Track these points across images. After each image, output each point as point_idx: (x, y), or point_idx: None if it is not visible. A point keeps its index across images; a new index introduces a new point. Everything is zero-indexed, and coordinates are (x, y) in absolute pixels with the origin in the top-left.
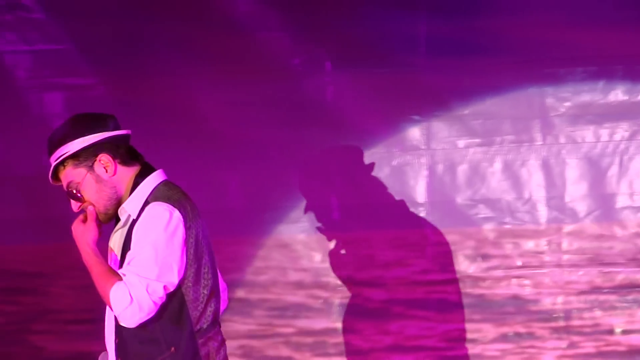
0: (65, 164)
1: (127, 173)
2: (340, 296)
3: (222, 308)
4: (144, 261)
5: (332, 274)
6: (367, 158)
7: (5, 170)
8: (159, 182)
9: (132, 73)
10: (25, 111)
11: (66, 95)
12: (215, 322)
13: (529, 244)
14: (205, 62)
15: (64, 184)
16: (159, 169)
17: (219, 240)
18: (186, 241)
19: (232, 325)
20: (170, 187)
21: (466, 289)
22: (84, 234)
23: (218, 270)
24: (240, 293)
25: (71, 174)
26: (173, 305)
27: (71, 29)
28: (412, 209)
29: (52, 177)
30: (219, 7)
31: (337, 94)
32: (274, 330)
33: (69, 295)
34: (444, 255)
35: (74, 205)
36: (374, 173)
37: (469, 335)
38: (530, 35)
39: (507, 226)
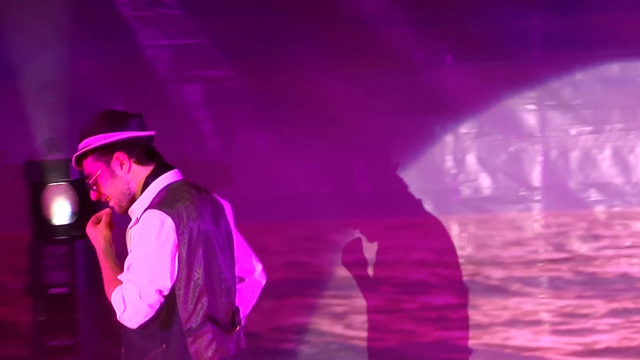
0: (85, 156)
1: (141, 172)
2: (461, 274)
3: (240, 297)
4: (138, 269)
5: (454, 254)
6: (485, 145)
7: None
8: (166, 184)
9: (266, 66)
10: (166, 101)
11: (203, 87)
12: (206, 320)
13: (638, 225)
14: (334, 56)
15: (85, 173)
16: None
17: (346, 222)
18: (178, 246)
19: (360, 300)
20: (174, 191)
21: (578, 267)
22: (95, 236)
23: (252, 258)
24: (368, 271)
25: (90, 166)
26: (165, 306)
27: (208, 24)
28: (527, 193)
29: (75, 163)
30: (348, 6)
31: (457, 85)
32: (399, 305)
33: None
34: (558, 236)
35: (92, 194)
36: (491, 159)
37: (581, 311)
38: (638, 31)
39: (617, 208)
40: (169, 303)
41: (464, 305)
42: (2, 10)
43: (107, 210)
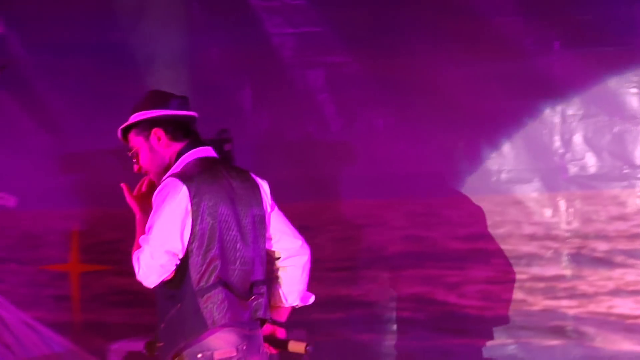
0: (129, 130)
1: (175, 147)
2: (569, 247)
3: (259, 273)
4: (152, 231)
5: (561, 228)
6: (590, 126)
7: (276, 139)
8: (193, 158)
9: (384, 52)
10: (291, 86)
11: (326, 72)
12: (218, 283)
13: None
14: (448, 43)
15: (129, 146)
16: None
17: (458, 198)
18: (191, 212)
19: (473, 272)
20: (200, 165)
21: None
22: (134, 205)
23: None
24: (480, 244)
25: (133, 140)
26: (179, 267)
27: (330, 13)
28: (630, 171)
29: (121, 137)
30: None
31: (564, 69)
32: (510, 276)
33: (329, 247)
34: None
35: (134, 166)
36: (597, 139)
37: None
38: None
39: None
40: (183, 265)
41: (571, 276)
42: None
43: (145, 180)
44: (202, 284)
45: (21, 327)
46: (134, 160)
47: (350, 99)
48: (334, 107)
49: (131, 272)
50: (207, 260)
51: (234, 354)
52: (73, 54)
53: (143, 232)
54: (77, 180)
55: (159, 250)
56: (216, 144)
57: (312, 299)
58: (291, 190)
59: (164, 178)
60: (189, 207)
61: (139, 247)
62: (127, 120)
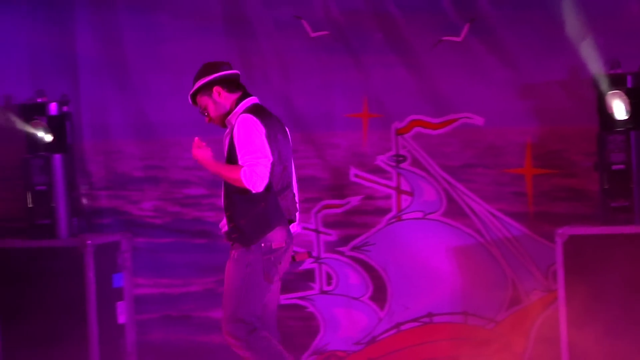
0: (196, 95)
1: (232, 97)
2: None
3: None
4: (252, 151)
5: None
6: None
7: None
8: (250, 103)
9: None
10: None
11: None
12: (287, 186)
13: None
14: None
15: (199, 106)
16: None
17: None
18: (267, 135)
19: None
20: (257, 107)
21: None
22: (203, 154)
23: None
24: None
25: (201, 100)
26: None
27: None
28: None
29: (192, 102)
30: None
31: None
32: None
33: None
34: None
35: (206, 119)
36: None
37: None
38: None
39: None
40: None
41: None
42: None
43: (197, 139)
44: (280, 187)
45: (487, 216)
46: (205, 115)
47: None
48: None
49: (572, 174)
50: (282, 169)
51: (283, 245)
52: (524, 7)
53: (224, 165)
54: (530, 105)
55: (264, 161)
56: None
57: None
58: None
59: (229, 118)
60: (264, 131)
61: (239, 169)
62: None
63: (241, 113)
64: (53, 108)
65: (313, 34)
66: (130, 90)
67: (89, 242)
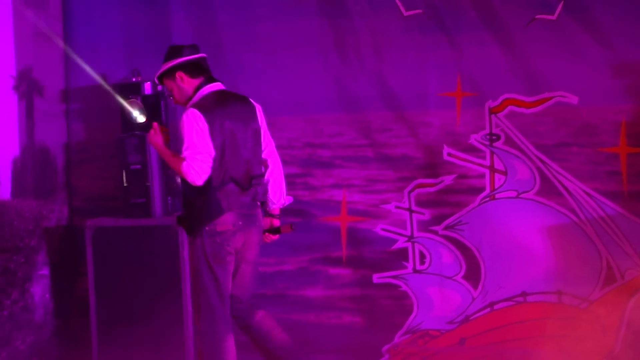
0: (163, 77)
1: (195, 82)
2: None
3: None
4: (193, 145)
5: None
6: None
7: None
8: (207, 92)
9: None
10: None
11: None
12: (229, 180)
13: None
14: None
15: (166, 88)
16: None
17: None
18: (210, 130)
19: None
20: (210, 96)
21: None
22: (155, 139)
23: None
24: None
25: (167, 83)
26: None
27: None
28: None
29: (158, 82)
30: None
31: None
32: None
33: None
34: None
35: (172, 101)
36: None
37: None
38: None
39: None
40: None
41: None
42: None
43: (156, 123)
44: (219, 182)
45: (582, 195)
46: (171, 97)
47: None
48: None
49: None
50: (222, 165)
51: (230, 227)
52: None
53: (172, 154)
54: (625, 83)
55: (203, 156)
56: None
57: (291, 199)
58: None
59: (187, 106)
60: (207, 127)
61: (183, 160)
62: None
63: (191, 105)
64: (148, 87)
65: (407, 13)
66: (224, 69)
67: None
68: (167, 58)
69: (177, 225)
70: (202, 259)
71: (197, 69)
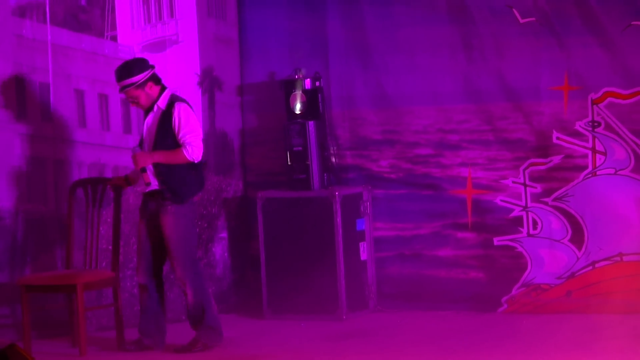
0: (129, 87)
1: (157, 88)
2: None
3: None
4: (194, 131)
5: None
6: None
7: None
8: (171, 93)
9: None
10: None
11: None
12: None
13: None
14: None
15: (128, 96)
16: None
17: None
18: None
19: None
20: (178, 96)
21: None
22: (146, 157)
23: None
24: None
25: (133, 92)
26: None
27: None
28: None
29: (121, 91)
30: None
31: None
32: None
33: None
34: None
35: (134, 106)
36: None
37: None
38: None
39: None
40: None
41: None
42: None
43: (133, 152)
44: (204, 159)
45: None
46: (134, 103)
47: None
48: None
49: None
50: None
51: (198, 198)
52: None
53: (167, 152)
54: None
55: (200, 137)
56: None
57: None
58: None
59: (158, 104)
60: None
61: (181, 150)
62: None
63: (175, 102)
64: (308, 83)
65: (522, 20)
66: (371, 68)
67: (337, 193)
68: (137, 71)
69: (161, 199)
70: (190, 223)
71: (158, 78)
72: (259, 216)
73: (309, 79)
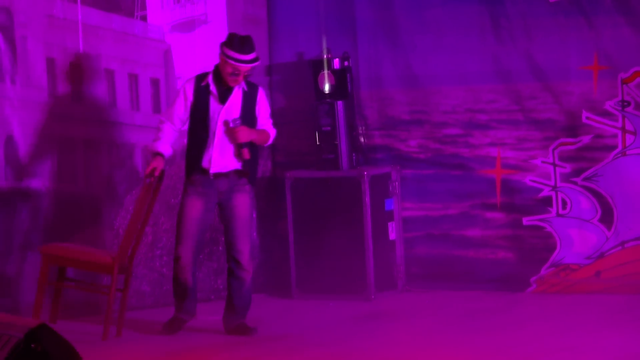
0: (258, 62)
1: None
2: None
3: None
4: (270, 114)
5: None
6: None
7: None
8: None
9: None
10: None
11: None
12: None
13: None
14: None
15: (244, 71)
16: None
17: None
18: None
19: None
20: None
21: None
22: (247, 131)
23: None
24: None
25: (253, 69)
26: None
27: None
28: None
29: (246, 63)
30: None
31: None
32: None
33: None
34: None
35: (239, 78)
36: None
37: None
38: None
39: None
40: None
41: None
42: None
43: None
44: None
45: None
46: (236, 81)
47: None
48: None
49: None
50: None
51: None
52: None
53: (262, 133)
54: None
55: None
56: None
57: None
58: None
59: (243, 86)
60: None
61: (271, 130)
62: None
63: (257, 85)
64: (336, 63)
65: (552, 0)
66: (399, 48)
67: (366, 173)
68: (254, 49)
69: (240, 177)
70: (253, 206)
71: None
72: (288, 196)
73: (337, 59)
